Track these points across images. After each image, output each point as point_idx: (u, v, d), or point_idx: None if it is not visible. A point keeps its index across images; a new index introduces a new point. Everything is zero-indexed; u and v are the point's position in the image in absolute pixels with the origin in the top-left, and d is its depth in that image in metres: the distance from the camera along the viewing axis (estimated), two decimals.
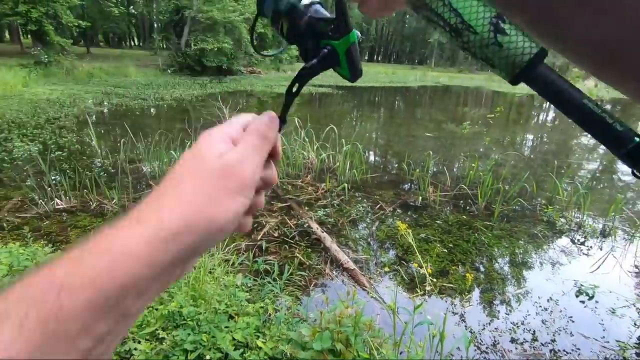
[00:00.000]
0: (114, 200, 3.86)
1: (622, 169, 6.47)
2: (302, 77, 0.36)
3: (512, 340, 2.38)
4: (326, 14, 0.37)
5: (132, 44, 48.01)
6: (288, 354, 1.62)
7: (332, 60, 0.36)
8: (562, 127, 10.84)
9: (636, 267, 3.34)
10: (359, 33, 0.36)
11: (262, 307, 1.97)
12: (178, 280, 2.11)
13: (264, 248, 3.19)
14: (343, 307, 1.82)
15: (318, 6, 0.37)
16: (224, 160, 0.29)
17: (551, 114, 14.56)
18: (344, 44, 0.35)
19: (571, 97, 0.28)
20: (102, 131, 7.28)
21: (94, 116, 8.89)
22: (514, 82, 0.29)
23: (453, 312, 2.60)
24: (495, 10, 0.29)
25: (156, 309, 1.98)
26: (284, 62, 26.46)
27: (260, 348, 1.72)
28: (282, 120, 0.35)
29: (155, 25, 31.80)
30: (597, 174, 6.21)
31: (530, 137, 9.76)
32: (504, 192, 4.31)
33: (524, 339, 2.40)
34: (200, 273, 2.27)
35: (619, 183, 5.85)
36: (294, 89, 0.36)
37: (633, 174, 0.29)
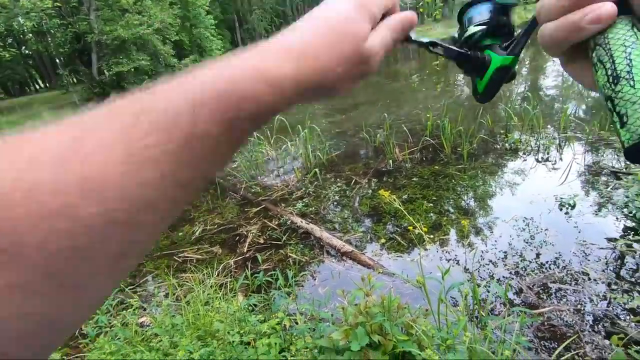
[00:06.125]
0: None
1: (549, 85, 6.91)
2: (435, 46, 0.37)
3: (526, 267, 2.42)
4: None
5: (38, 87, 43.27)
6: None
7: (479, 68, 0.36)
8: None
9: (597, 166, 3.55)
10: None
11: (277, 323, 1.81)
12: (177, 325, 1.88)
13: (253, 259, 3.00)
14: (363, 295, 1.72)
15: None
16: (366, 46, 0.30)
17: None
18: (503, 61, 0.35)
19: None
20: None
21: None
22: (628, 150, 0.26)
23: (457, 262, 2.60)
24: None
25: None
26: None
27: None
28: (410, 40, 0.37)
29: (58, 60, 28.75)
30: (542, 94, 6.55)
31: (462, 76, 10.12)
32: (465, 133, 4.39)
33: (536, 262, 2.45)
34: (197, 307, 2.05)
35: (558, 97, 6.22)
36: (426, 42, 0.37)
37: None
